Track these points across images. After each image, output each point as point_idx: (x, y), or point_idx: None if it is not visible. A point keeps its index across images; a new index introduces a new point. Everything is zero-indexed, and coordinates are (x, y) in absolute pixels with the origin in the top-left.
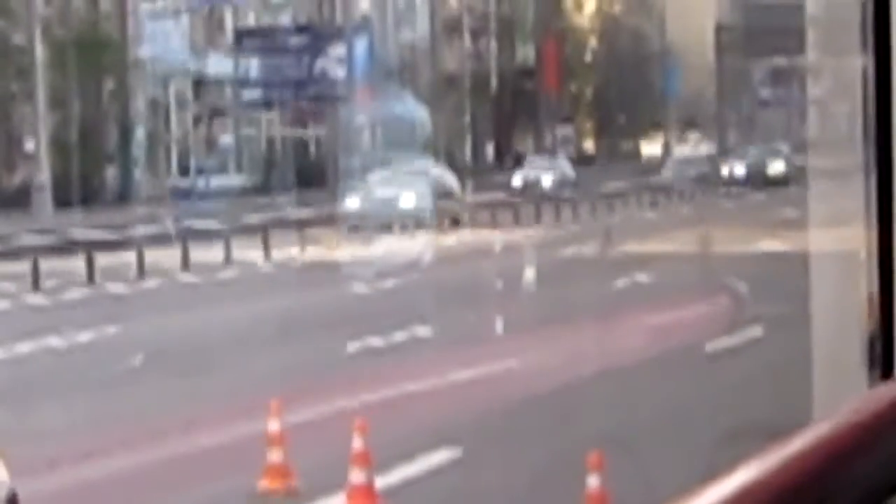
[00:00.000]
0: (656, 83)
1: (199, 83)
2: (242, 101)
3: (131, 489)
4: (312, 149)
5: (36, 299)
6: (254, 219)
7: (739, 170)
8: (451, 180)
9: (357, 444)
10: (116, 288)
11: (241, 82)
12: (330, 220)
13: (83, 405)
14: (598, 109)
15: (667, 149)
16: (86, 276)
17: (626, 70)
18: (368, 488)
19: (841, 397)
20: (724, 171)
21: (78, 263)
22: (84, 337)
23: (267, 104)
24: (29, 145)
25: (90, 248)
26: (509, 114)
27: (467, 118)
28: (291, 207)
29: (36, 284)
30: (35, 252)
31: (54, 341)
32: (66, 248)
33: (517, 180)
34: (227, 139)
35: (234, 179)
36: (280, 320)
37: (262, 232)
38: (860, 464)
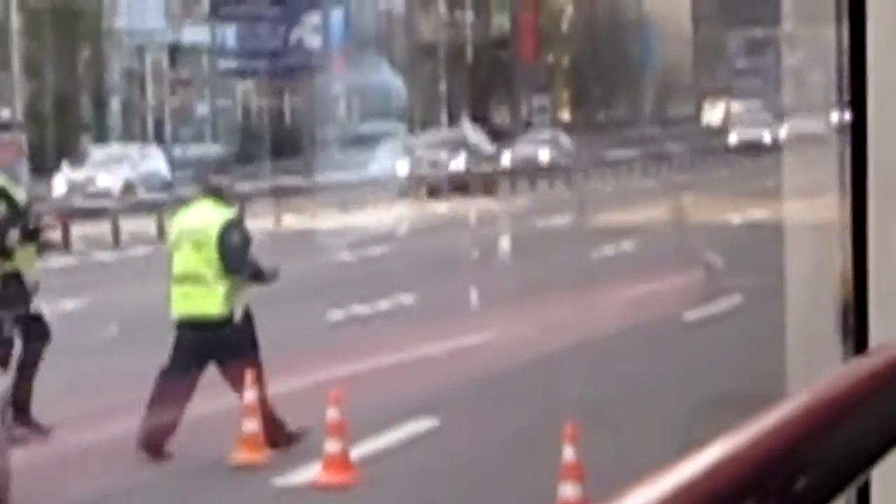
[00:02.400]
0: (633, 53)
1: (175, 52)
2: (218, 71)
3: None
4: (288, 118)
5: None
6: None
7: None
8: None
9: (332, 414)
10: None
11: (218, 51)
12: (309, 191)
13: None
14: (574, 79)
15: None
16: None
17: (603, 40)
18: (344, 457)
19: (815, 369)
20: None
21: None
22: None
23: (243, 73)
24: (4, 114)
25: (65, 216)
26: (486, 83)
27: (443, 88)
28: (268, 176)
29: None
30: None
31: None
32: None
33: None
34: (202, 108)
35: (210, 148)
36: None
37: (239, 201)
38: (835, 439)
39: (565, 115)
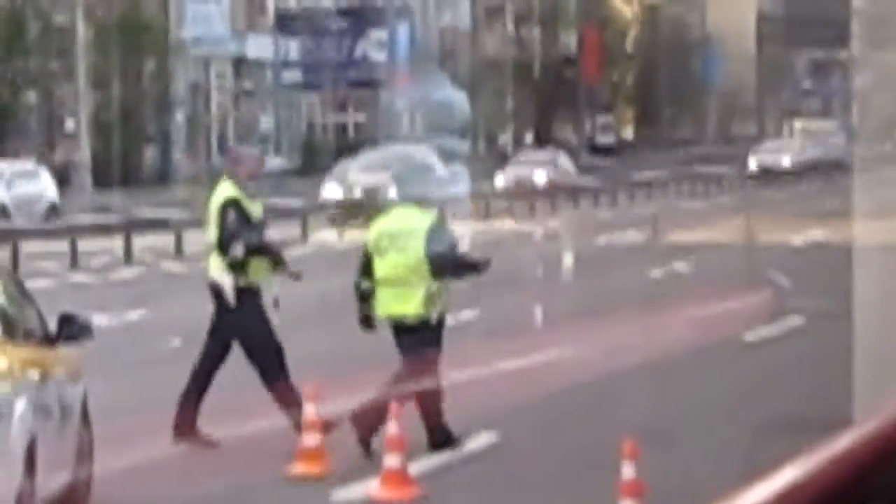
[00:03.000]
0: (697, 72)
1: (240, 65)
2: (283, 84)
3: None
4: (352, 132)
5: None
6: (292, 202)
7: None
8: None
9: (392, 428)
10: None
11: (282, 65)
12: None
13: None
14: (638, 98)
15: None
16: (122, 256)
17: (667, 59)
18: (402, 473)
19: (882, 391)
20: None
21: (117, 243)
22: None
23: (307, 87)
24: (69, 125)
25: (128, 227)
26: (550, 101)
27: (508, 104)
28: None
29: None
30: (74, 231)
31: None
32: (106, 228)
33: None
34: (266, 121)
35: (273, 162)
36: (312, 304)
37: (302, 215)
38: None
39: (629, 133)
